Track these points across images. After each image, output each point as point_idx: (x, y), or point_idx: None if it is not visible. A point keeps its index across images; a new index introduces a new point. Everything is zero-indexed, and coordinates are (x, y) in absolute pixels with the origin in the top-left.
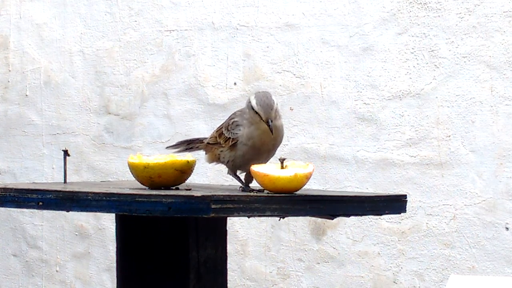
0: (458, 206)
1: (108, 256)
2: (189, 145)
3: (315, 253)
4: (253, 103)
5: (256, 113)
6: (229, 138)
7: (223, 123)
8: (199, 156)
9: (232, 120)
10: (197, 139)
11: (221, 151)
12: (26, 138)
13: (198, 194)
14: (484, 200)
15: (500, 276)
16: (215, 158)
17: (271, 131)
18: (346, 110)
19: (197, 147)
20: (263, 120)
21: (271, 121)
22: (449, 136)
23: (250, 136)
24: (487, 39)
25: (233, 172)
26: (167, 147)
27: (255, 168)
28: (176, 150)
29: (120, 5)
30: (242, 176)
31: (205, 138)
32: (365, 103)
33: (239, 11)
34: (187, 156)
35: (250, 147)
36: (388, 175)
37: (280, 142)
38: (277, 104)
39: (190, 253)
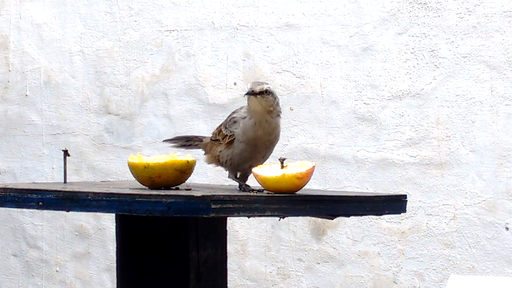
0: (458, 206)
1: (108, 256)
2: (188, 141)
3: (315, 253)
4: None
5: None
6: (226, 135)
7: (224, 121)
8: (199, 156)
9: (230, 117)
10: (196, 137)
11: (220, 151)
12: (26, 138)
13: (198, 194)
14: (484, 200)
15: (500, 276)
16: (215, 160)
17: (251, 95)
18: (346, 110)
19: (196, 145)
20: (247, 91)
21: (252, 90)
22: (449, 136)
23: (244, 130)
24: (487, 39)
25: (233, 174)
26: (164, 140)
27: (254, 169)
28: (173, 144)
29: (120, 5)
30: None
31: (205, 137)
32: (365, 103)
33: (239, 11)
34: (187, 156)
35: (246, 143)
36: (388, 175)
37: (276, 139)
38: (274, 98)
39: (190, 253)
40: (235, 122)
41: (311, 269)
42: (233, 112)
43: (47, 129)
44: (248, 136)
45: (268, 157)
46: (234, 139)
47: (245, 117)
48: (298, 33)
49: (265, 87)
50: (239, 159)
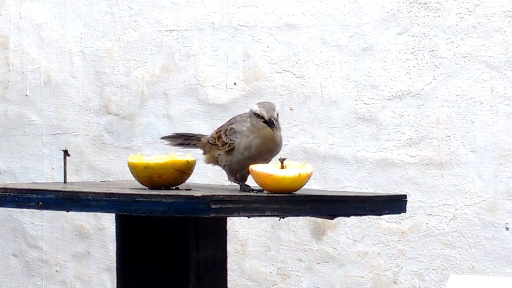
0: (458, 206)
1: (108, 256)
2: (186, 140)
3: (315, 253)
4: (255, 108)
5: (259, 116)
6: (226, 143)
7: (223, 125)
8: (199, 156)
9: (231, 126)
10: (195, 135)
11: (219, 154)
12: (26, 138)
13: (198, 194)
14: (484, 200)
15: (500, 276)
16: (214, 161)
17: (272, 129)
18: (346, 110)
19: (194, 144)
20: (266, 119)
21: (274, 119)
22: (449, 136)
23: (247, 146)
24: (487, 39)
25: (232, 177)
26: (162, 137)
27: (256, 168)
28: (171, 142)
29: (120, 5)
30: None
31: (203, 136)
32: (365, 103)
33: (239, 11)
34: (187, 156)
35: (247, 156)
36: (388, 175)
37: (277, 153)
38: (278, 113)
39: (190, 253)
40: (235, 132)
41: (311, 269)
42: (234, 122)
43: (47, 129)
44: (251, 151)
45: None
46: (234, 148)
47: (249, 135)
48: (298, 33)
49: (277, 109)
50: (237, 166)
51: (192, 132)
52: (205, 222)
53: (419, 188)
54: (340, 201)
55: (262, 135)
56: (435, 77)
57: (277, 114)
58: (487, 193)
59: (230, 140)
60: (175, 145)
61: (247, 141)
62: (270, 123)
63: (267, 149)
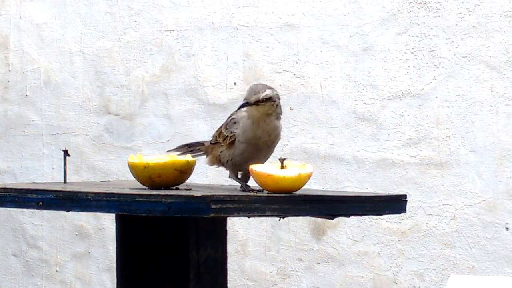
0: (458, 206)
1: (108, 256)
2: (190, 148)
3: (315, 253)
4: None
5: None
6: (227, 136)
7: (223, 123)
8: (199, 157)
9: (230, 118)
10: (198, 142)
11: (221, 151)
12: (26, 138)
13: (198, 194)
14: (484, 200)
15: (500, 276)
16: (216, 161)
17: (243, 106)
18: (346, 110)
19: (198, 149)
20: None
21: (247, 102)
22: (449, 136)
23: (244, 130)
24: (487, 39)
25: (234, 174)
26: (168, 151)
27: (257, 168)
28: (177, 153)
29: (120, 5)
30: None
31: (206, 141)
32: (365, 103)
33: (239, 11)
34: (187, 156)
35: (247, 143)
36: (388, 175)
37: (277, 139)
38: (272, 104)
39: (190, 253)
40: (235, 122)
41: (311, 269)
42: (234, 114)
43: (47, 129)
44: (248, 136)
45: (269, 157)
46: (235, 139)
47: (244, 117)
48: (298, 33)
49: (261, 96)
50: (240, 159)
51: (193, 136)
52: (205, 222)
53: (419, 188)
54: (340, 201)
55: (253, 117)
56: (435, 77)
57: (265, 98)
58: (487, 193)
59: (231, 132)
60: (181, 154)
61: (243, 125)
62: (243, 104)
63: (262, 129)
